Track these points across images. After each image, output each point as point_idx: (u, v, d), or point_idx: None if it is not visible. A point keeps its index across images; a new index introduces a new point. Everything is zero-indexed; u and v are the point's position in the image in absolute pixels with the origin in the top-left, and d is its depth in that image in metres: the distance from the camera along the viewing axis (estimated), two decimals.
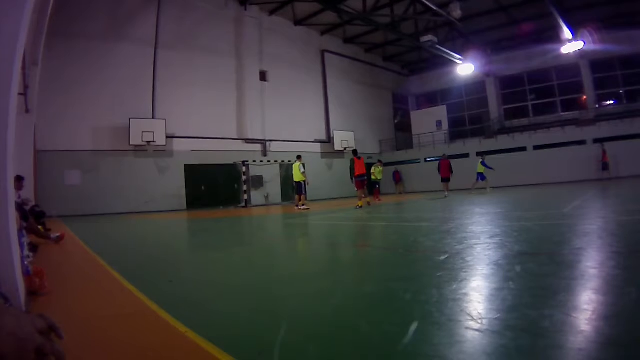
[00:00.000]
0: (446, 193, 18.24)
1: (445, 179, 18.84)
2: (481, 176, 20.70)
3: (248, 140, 24.84)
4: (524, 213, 8.51)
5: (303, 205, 15.86)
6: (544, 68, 29.73)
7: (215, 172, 23.18)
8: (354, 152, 15.78)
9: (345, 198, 25.68)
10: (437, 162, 20.63)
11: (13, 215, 2.23)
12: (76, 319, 2.49)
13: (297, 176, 15.97)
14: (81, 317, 2.57)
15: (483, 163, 20.76)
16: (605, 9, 25.03)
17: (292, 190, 23.62)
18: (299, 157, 16.35)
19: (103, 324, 2.39)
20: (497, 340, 1.76)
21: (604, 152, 23.39)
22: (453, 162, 19.90)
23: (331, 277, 3.69)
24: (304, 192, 16.23)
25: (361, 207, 14.05)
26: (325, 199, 24.67)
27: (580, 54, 26.78)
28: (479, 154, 26.60)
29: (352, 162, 15.16)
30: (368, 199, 14.96)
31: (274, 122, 25.91)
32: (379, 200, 19.32)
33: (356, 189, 15.02)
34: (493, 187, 21.18)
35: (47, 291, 3.15)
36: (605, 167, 23.25)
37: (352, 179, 15.36)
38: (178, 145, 22.11)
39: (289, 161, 24.44)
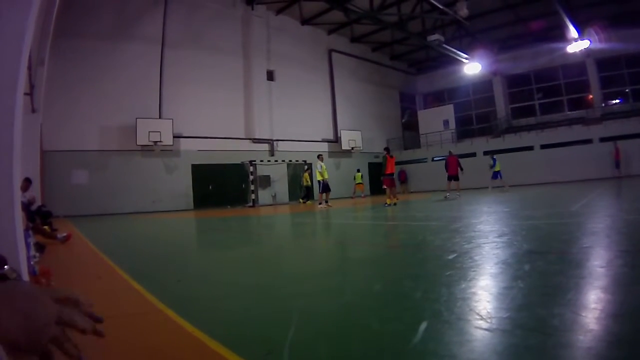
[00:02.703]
0: (451, 193, 16.78)
1: (453, 177, 17.18)
2: (498, 174, 20.55)
3: (255, 140, 24.83)
4: (532, 212, 8.46)
5: (327, 202, 16.00)
6: (550, 67, 29.51)
7: (223, 171, 23.19)
8: (387, 149, 15.33)
9: (354, 198, 25.60)
10: (444, 160, 20.19)
11: (20, 216, 2.22)
12: None
13: (322, 175, 16.17)
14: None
15: (495, 160, 20.72)
16: (611, 7, 24.85)
17: (300, 189, 23.70)
18: (319, 157, 16.44)
19: (110, 324, 2.36)
20: (507, 339, 1.76)
21: (617, 150, 23.25)
22: (461, 161, 18.61)
23: (343, 275, 3.69)
24: (328, 190, 16.62)
25: (389, 204, 13.88)
26: (333, 198, 24.53)
27: (587, 52, 26.64)
28: (486, 152, 26.50)
29: (385, 159, 14.88)
30: (388, 199, 14.51)
31: (282, 122, 25.90)
32: (397, 199, 18.79)
33: (384, 187, 14.73)
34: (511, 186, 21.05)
35: None
36: (617, 165, 23.13)
37: (383, 176, 15.01)
38: (185, 144, 22.15)
39: (297, 161, 24.50)
